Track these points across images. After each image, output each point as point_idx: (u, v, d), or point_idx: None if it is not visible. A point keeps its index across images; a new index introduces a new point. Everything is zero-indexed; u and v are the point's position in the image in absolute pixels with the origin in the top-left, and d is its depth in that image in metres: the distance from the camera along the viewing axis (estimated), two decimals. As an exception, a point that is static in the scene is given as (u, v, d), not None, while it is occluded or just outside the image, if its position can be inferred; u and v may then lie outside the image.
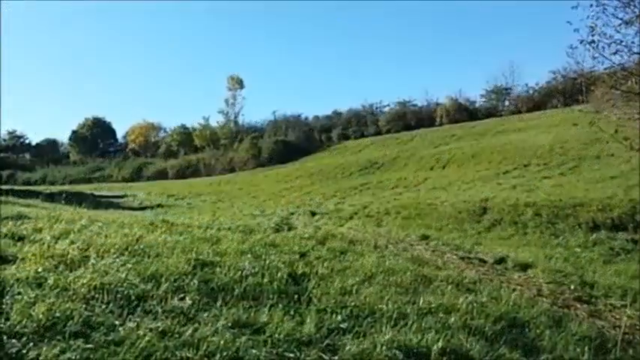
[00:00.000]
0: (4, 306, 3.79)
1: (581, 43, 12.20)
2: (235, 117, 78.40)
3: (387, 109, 70.53)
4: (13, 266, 4.68)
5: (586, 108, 17.68)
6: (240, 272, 5.46)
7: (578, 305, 6.66)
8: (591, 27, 11.88)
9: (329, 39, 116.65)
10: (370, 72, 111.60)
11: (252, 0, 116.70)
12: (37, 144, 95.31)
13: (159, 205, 33.44)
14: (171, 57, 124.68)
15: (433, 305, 5.27)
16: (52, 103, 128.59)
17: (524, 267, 8.53)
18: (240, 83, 76.68)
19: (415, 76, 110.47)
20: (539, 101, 56.96)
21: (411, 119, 64.01)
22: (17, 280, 4.31)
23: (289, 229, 9.99)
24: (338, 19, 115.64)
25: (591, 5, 11.66)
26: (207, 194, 40.71)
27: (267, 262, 6.06)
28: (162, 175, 69.60)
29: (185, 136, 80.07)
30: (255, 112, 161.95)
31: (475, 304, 5.48)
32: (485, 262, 8.76)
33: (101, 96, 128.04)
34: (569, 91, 49.31)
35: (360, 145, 59.72)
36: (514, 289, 6.71)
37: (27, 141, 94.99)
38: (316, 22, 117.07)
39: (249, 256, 6.28)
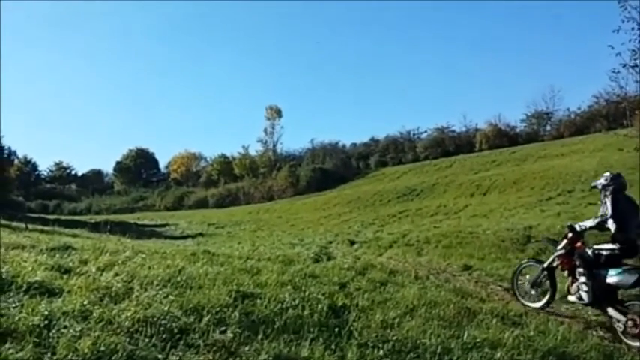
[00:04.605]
0: (50, 340, 3.85)
1: (623, 66, 12.00)
2: (274, 146, 79.56)
3: (424, 135, 70.23)
4: (60, 299, 4.78)
5: (631, 132, 17.19)
6: (280, 304, 5.44)
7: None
8: (634, 51, 11.68)
9: (365, 66, 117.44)
10: (407, 98, 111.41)
11: (288, 31, 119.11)
12: (83, 175, 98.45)
13: (200, 234, 33.88)
14: (212, 88, 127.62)
15: (478, 340, 5.14)
16: (97, 135, 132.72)
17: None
18: (278, 113, 77.90)
19: (453, 102, 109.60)
20: (581, 125, 55.68)
21: (450, 145, 63.49)
22: (63, 313, 4.37)
23: (328, 259, 9.94)
24: (374, 46, 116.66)
25: (632, 29, 11.49)
26: (247, 223, 41.05)
27: (307, 293, 6.03)
28: (203, 204, 70.71)
29: (225, 166, 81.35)
30: (293, 140, 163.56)
31: (522, 339, 5.34)
32: (530, 293, 8.48)
33: (145, 127, 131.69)
34: (612, 115, 47.95)
35: (397, 172, 59.43)
36: (562, 322, 6.50)
37: (73, 172, 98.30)
38: (352, 50, 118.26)
39: (289, 287, 6.27)
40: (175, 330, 4.39)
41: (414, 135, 71.41)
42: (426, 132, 70.27)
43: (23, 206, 63.97)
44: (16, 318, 4.12)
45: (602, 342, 6.04)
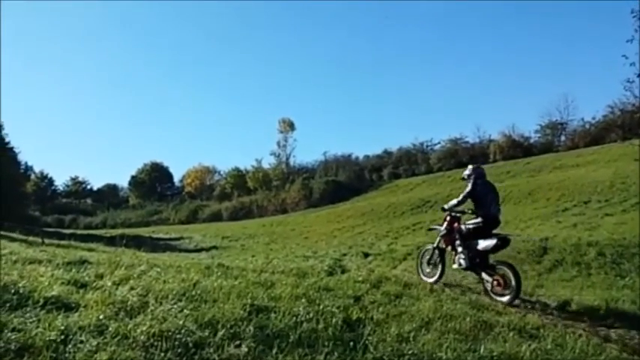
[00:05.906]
0: (67, 355, 3.88)
1: (638, 76, 11.91)
2: (287, 158, 79.85)
3: (437, 146, 69.97)
4: (76, 314, 4.81)
5: (646, 142, 16.98)
6: (294, 318, 5.42)
7: (650, 352, 6.28)
8: (648, 61, 11.59)
9: (377, 78, 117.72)
10: (420, 110, 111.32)
11: (301, 44, 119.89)
12: (98, 189, 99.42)
13: (214, 247, 33.95)
14: (224, 102, 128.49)
15: (495, 353, 5.07)
16: (112, 150, 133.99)
17: (590, 311, 8.12)
18: (291, 126, 78.21)
19: (466, 113, 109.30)
20: (596, 135, 55.08)
21: (463, 156, 63.06)
22: (80, 327, 4.40)
23: (342, 272, 9.89)
24: (386, 57, 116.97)
25: (646, 38, 11.42)
26: (260, 235, 41.05)
27: (322, 307, 5.99)
28: (216, 217, 70.90)
29: (239, 179, 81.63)
30: (306, 153, 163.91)
31: (539, 352, 5.26)
32: (547, 305, 8.40)
33: (159, 141, 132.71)
34: (627, 125, 47.29)
35: (411, 184, 59.16)
36: (580, 335, 6.38)
37: (88, 186, 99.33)
38: (364, 62, 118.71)
39: (303, 300, 6.23)
40: (190, 344, 4.39)
41: (427, 146, 71.25)
42: (439, 143, 70.12)
43: (39, 221, 64.72)
44: (33, 333, 4.16)
45: (621, 355, 5.94)
